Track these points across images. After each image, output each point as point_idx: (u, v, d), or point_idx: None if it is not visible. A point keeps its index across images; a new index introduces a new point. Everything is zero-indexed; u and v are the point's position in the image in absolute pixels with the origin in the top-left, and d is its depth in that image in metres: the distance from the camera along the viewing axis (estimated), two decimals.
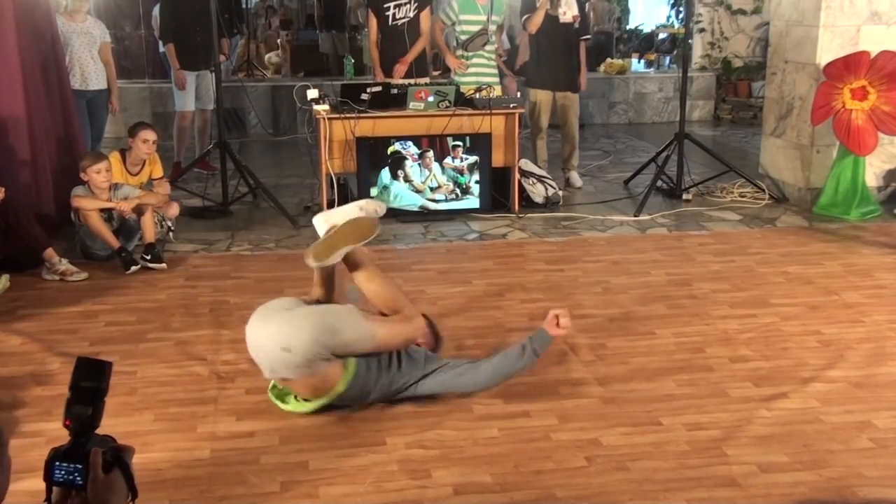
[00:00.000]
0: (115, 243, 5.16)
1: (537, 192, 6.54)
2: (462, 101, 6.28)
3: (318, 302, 3.44)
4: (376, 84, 6.34)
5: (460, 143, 6.21)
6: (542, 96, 7.20)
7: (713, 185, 7.02)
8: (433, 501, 2.81)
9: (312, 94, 6.20)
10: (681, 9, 12.54)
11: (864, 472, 2.96)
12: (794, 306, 4.51)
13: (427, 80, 6.98)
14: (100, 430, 1.60)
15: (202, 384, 3.65)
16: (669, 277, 4.99)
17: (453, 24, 6.95)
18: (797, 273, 5.04)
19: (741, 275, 5.02)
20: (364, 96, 6.10)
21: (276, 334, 3.19)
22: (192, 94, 7.48)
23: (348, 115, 6.06)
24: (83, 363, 1.59)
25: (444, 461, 3.03)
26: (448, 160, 6.22)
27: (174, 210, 5.70)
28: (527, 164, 6.70)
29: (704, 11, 11.00)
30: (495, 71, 7.22)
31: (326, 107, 6.12)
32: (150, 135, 5.67)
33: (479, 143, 6.23)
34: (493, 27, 6.94)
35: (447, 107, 6.19)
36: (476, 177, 6.28)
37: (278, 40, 13.13)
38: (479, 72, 6.93)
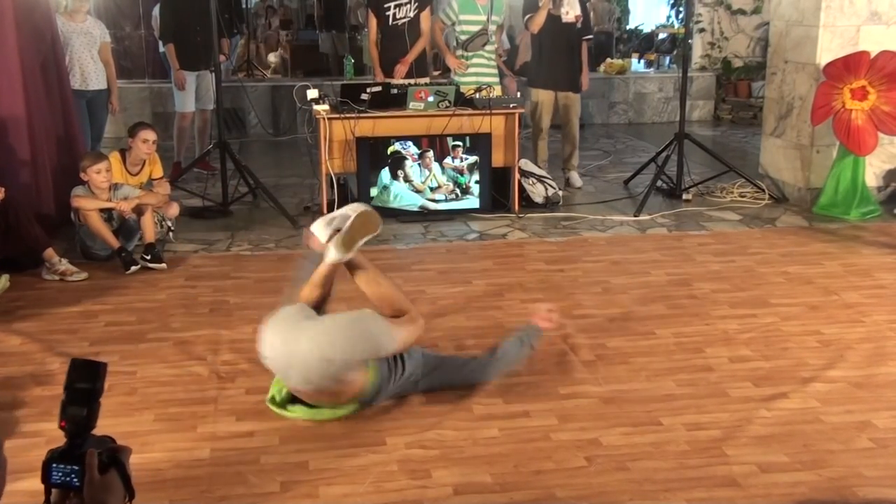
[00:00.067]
0: (115, 243, 5.16)
1: (537, 192, 6.54)
2: (462, 101, 6.28)
3: (316, 304, 3.43)
4: (376, 84, 6.34)
5: (460, 143, 6.21)
6: (544, 96, 7.20)
7: (713, 185, 7.02)
8: (433, 501, 2.81)
9: (312, 94, 6.20)
10: (681, 9, 12.55)
11: (864, 472, 2.96)
12: (794, 306, 4.51)
13: (427, 80, 6.98)
14: (100, 430, 1.60)
15: (202, 384, 3.65)
16: (669, 277, 4.99)
17: (453, 24, 6.95)
18: (797, 273, 5.04)
19: (741, 275, 5.02)
20: (364, 96, 6.10)
21: (314, 345, 3.13)
22: (192, 95, 7.48)
23: (348, 115, 6.06)
24: (77, 364, 1.59)
25: (444, 461, 3.03)
26: (448, 160, 6.22)
27: (174, 210, 5.70)
28: (527, 164, 6.70)
29: (704, 11, 11.00)
30: (495, 71, 7.22)
31: (326, 107, 6.12)
32: (149, 135, 5.67)
33: (479, 143, 6.23)
34: (493, 27, 6.94)
35: (447, 107, 6.19)
36: (476, 177, 6.28)
37: (278, 41, 13.13)
38: (479, 72, 6.93)
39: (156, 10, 8.36)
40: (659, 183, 6.78)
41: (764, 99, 7.33)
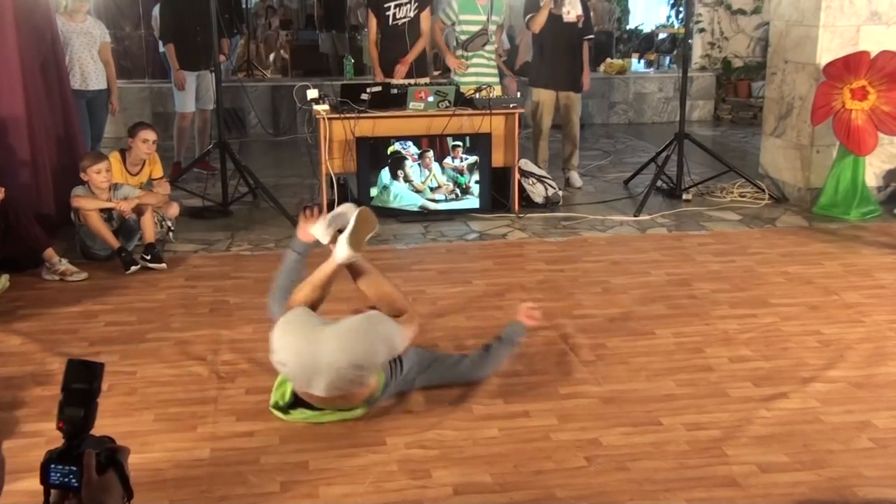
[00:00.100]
0: (114, 243, 5.16)
1: (537, 192, 6.54)
2: (462, 101, 6.28)
3: (314, 306, 3.42)
4: (376, 84, 6.34)
5: (460, 143, 6.21)
6: (545, 96, 7.20)
7: (713, 185, 7.02)
8: (433, 501, 2.81)
9: (312, 94, 6.20)
10: (681, 9, 12.55)
11: (864, 472, 2.96)
12: (794, 306, 4.51)
13: (427, 80, 6.98)
14: (100, 430, 1.60)
15: (202, 384, 3.65)
16: (669, 277, 4.99)
17: (453, 24, 6.95)
18: (797, 273, 5.04)
19: (741, 275, 5.02)
20: (364, 96, 6.10)
21: (341, 351, 3.12)
22: (192, 95, 7.48)
23: (348, 115, 6.06)
24: (74, 365, 1.59)
25: (444, 461, 3.03)
26: (448, 160, 6.22)
27: (174, 210, 5.70)
28: (527, 164, 6.70)
29: (704, 11, 11.00)
30: (495, 71, 7.22)
31: (326, 107, 6.12)
32: (149, 135, 5.67)
33: (479, 143, 6.23)
34: (493, 27, 6.94)
35: (447, 107, 6.19)
36: (476, 177, 6.28)
37: (278, 41, 13.13)
38: (479, 72, 6.93)
39: (156, 10, 8.36)
40: (659, 183, 6.78)
41: (764, 99, 7.33)
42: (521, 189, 6.47)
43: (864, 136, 6.13)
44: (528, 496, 2.83)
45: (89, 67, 6.57)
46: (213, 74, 6.70)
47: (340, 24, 12.76)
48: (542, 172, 6.78)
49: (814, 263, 5.21)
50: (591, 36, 7.47)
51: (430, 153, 6.17)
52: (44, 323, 4.32)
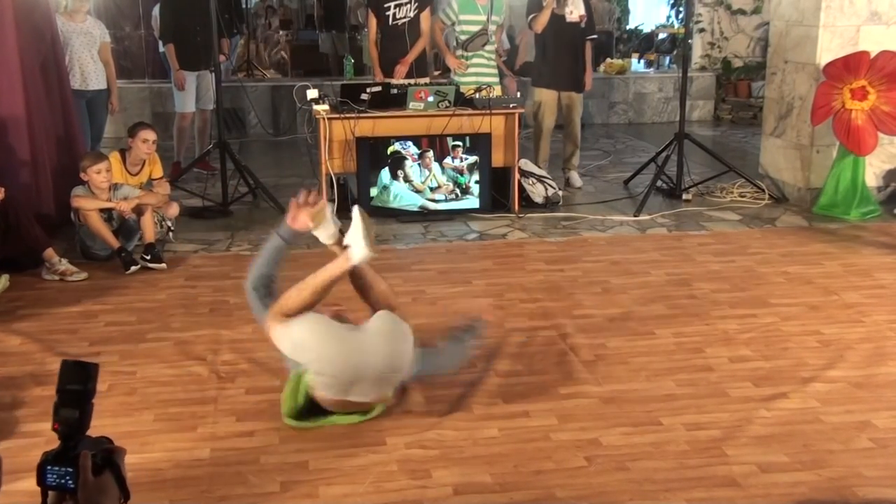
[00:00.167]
0: (114, 243, 5.16)
1: (537, 192, 6.54)
2: (462, 101, 6.28)
3: (315, 309, 3.40)
4: (376, 84, 6.35)
5: (460, 143, 6.21)
6: (547, 96, 7.20)
7: (713, 185, 7.02)
8: (433, 501, 2.81)
9: (312, 94, 6.20)
10: (681, 9, 12.54)
11: (864, 472, 2.96)
12: (794, 306, 4.51)
13: (427, 80, 6.97)
14: (100, 431, 1.60)
15: (202, 384, 3.65)
16: (669, 277, 4.98)
17: (453, 24, 6.94)
18: (797, 273, 5.04)
19: (741, 275, 5.02)
20: (364, 96, 6.10)
21: (380, 358, 3.19)
22: (192, 95, 7.48)
23: (348, 115, 6.06)
24: (68, 366, 1.58)
25: (444, 461, 3.03)
26: (448, 160, 6.22)
27: (174, 210, 5.70)
28: (526, 164, 6.70)
29: (704, 11, 11.00)
30: (495, 71, 7.22)
31: (326, 107, 6.12)
32: (149, 135, 5.67)
33: (479, 143, 6.22)
34: (492, 27, 6.94)
35: (447, 107, 6.19)
36: (476, 177, 6.27)
37: (277, 41, 13.12)
38: (478, 72, 6.92)
39: (156, 10, 8.36)
40: (659, 183, 6.77)
41: (764, 99, 7.33)
42: (521, 189, 6.46)
43: (864, 136, 6.13)
44: (528, 496, 2.83)
45: (89, 67, 6.57)
46: (213, 74, 6.70)
47: (340, 24, 12.76)
48: (542, 172, 6.78)
49: (814, 263, 5.21)
50: (594, 36, 7.46)
51: (430, 153, 6.17)
52: (44, 323, 4.32)
